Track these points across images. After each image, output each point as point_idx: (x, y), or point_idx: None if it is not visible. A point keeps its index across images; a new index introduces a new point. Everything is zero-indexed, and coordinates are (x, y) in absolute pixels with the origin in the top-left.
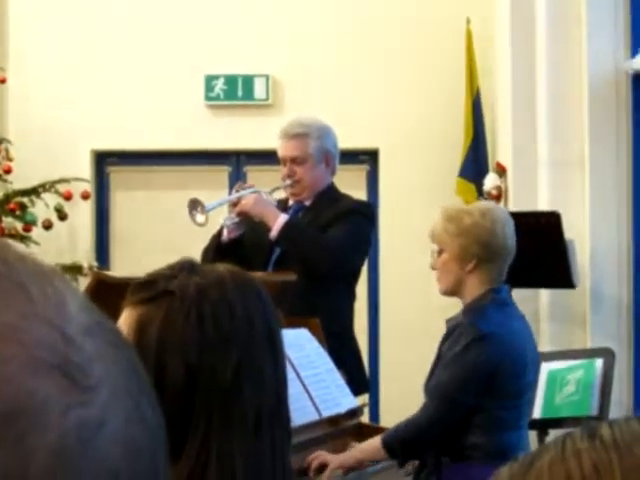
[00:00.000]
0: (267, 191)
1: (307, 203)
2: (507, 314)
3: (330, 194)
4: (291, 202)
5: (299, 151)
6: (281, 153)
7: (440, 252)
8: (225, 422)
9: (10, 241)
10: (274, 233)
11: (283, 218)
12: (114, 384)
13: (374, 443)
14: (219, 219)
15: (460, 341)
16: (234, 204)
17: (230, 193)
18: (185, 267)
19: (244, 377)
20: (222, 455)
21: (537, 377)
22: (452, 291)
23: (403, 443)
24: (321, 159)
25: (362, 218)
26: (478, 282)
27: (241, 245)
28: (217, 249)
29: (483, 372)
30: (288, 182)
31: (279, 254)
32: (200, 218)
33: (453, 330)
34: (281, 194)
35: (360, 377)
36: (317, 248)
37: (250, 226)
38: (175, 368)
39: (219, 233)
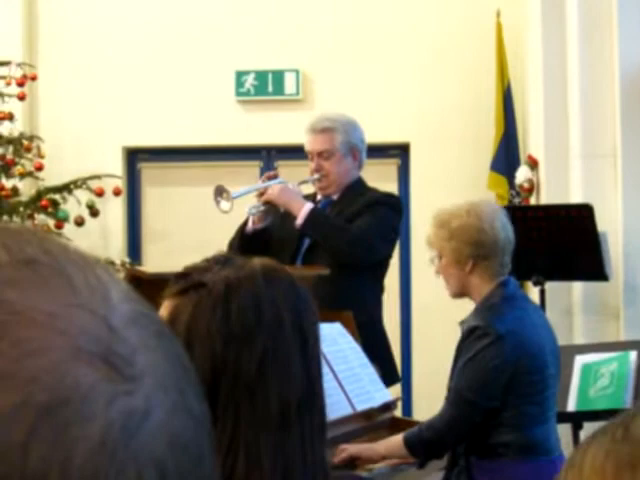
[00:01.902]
0: (294, 184)
1: (335, 197)
2: (521, 308)
3: (357, 188)
4: (319, 197)
5: (326, 145)
6: (308, 148)
7: (439, 257)
8: (252, 414)
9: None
10: (299, 221)
11: (309, 206)
12: (158, 374)
13: (397, 441)
14: (245, 210)
15: (477, 343)
16: (260, 194)
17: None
18: (219, 260)
19: (269, 370)
20: (250, 447)
21: (559, 368)
22: (460, 293)
23: (424, 445)
24: (348, 153)
25: (389, 209)
26: (481, 280)
27: (265, 237)
28: (241, 240)
29: (502, 374)
30: (316, 176)
31: (307, 247)
32: (225, 205)
33: (470, 332)
34: (309, 189)
35: (390, 368)
36: (342, 235)
37: (278, 220)
38: (201, 359)
39: (244, 224)
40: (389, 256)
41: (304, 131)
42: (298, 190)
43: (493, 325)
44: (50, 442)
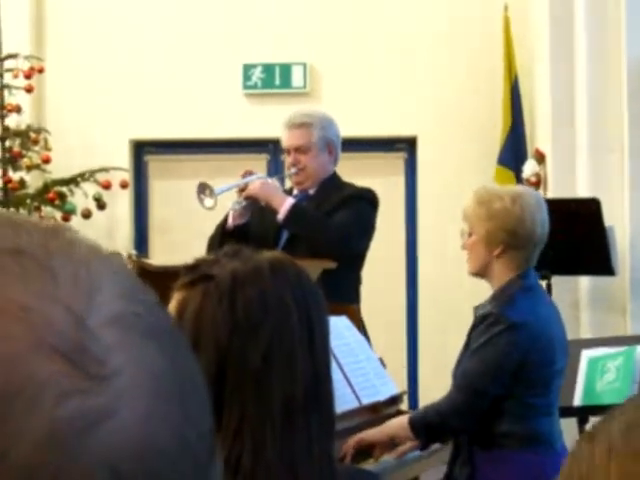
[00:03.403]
0: (273, 179)
1: (311, 192)
2: (535, 300)
3: (333, 182)
4: (295, 192)
5: (303, 140)
6: (285, 143)
7: (470, 234)
8: (257, 406)
9: (65, 225)
10: (281, 216)
11: (290, 201)
12: (138, 377)
13: (402, 421)
14: (228, 204)
15: (489, 330)
16: (241, 190)
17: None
18: (229, 253)
19: (274, 361)
20: (256, 438)
21: (566, 363)
22: (480, 273)
23: (428, 427)
24: (324, 148)
25: (366, 203)
26: (505, 267)
27: (245, 234)
28: (222, 236)
29: (511, 362)
30: (293, 170)
31: (286, 239)
32: (209, 202)
33: (482, 319)
34: (286, 184)
35: None
36: (323, 230)
37: (257, 212)
38: (207, 351)
39: (224, 221)
40: (366, 249)
41: (281, 127)
42: (278, 185)
43: (506, 313)
44: None
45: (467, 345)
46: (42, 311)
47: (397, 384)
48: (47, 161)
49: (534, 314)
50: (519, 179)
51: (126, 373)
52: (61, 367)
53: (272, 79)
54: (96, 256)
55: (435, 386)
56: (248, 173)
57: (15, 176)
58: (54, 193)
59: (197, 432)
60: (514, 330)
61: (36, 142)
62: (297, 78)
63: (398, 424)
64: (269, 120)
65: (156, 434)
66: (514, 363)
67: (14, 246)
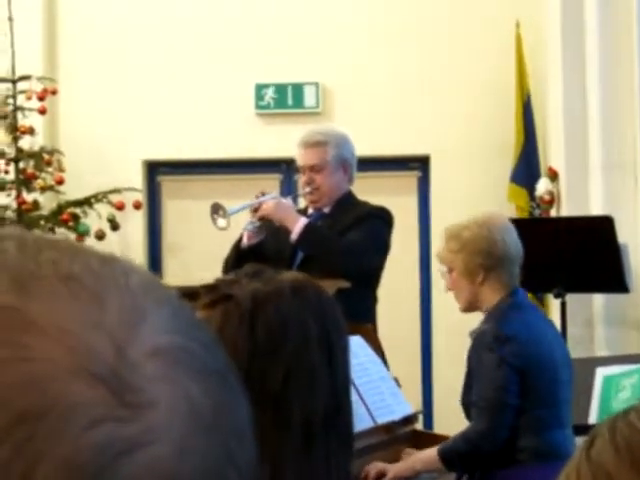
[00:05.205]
0: (287, 198)
1: (326, 210)
2: (528, 315)
3: (348, 201)
4: (310, 211)
5: (318, 159)
6: (300, 161)
7: (450, 271)
8: (276, 429)
9: (121, 255)
10: (294, 236)
11: (303, 221)
12: (175, 411)
13: (431, 454)
14: (242, 224)
15: (487, 347)
16: (255, 209)
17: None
18: (249, 273)
19: (294, 385)
20: (274, 462)
21: (571, 376)
22: (471, 307)
23: (460, 456)
24: (339, 167)
25: (380, 222)
26: (492, 291)
27: (260, 253)
28: (237, 256)
29: (513, 371)
30: (307, 190)
31: (302, 259)
32: (222, 222)
33: (479, 338)
34: (300, 203)
35: None
36: (336, 250)
37: (272, 233)
38: None
39: (239, 242)
40: (381, 268)
41: (295, 145)
42: (292, 204)
43: (499, 328)
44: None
45: (469, 368)
46: (83, 336)
47: (412, 404)
48: (60, 182)
49: (527, 327)
50: (532, 197)
51: (163, 405)
52: (96, 392)
53: (285, 99)
54: (146, 288)
55: (450, 406)
56: (262, 194)
57: (29, 197)
58: (68, 214)
59: (238, 473)
60: (508, 342)
61: (49, 163)
62: (309, 98)
63: (427, 458)
64: (282, 140)
65: (191, 471)
66: (516, 371)
67: (67, 272)
